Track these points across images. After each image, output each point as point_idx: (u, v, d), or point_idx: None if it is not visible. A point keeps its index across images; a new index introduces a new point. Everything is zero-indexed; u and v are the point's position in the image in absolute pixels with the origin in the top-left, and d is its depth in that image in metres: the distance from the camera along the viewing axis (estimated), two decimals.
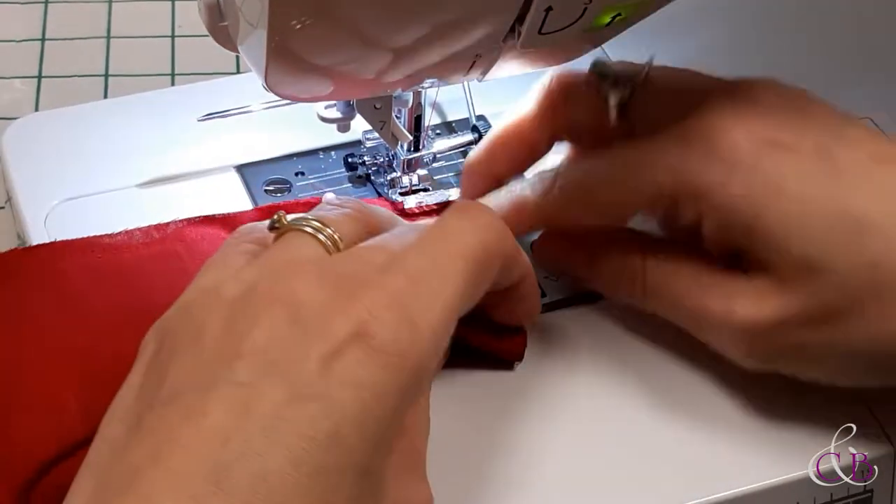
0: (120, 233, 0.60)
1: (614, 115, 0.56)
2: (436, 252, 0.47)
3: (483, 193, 0.60)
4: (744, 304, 0.52)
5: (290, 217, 0.50)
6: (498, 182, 0.60)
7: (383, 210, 0.55)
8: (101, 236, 0.60)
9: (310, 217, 0.49)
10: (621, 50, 0.73)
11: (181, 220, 0.61)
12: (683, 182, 0.52)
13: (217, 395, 0.42)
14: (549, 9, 0.49)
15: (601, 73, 0.57)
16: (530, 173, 0.60)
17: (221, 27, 0.53)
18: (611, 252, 0.56)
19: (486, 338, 0.56)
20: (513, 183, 0.58)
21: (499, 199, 0.58)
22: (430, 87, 0.60)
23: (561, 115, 0.59)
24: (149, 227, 0.60)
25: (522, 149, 0.60)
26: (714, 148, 0.52)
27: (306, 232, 0.48)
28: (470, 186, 0.61)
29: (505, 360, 0.57)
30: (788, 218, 0.51)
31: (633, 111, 0.56)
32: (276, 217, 0.50)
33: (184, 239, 0.60)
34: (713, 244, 0.53)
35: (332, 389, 0.42)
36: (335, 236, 0.48)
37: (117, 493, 0.41)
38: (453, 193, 0.64)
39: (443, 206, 0.63)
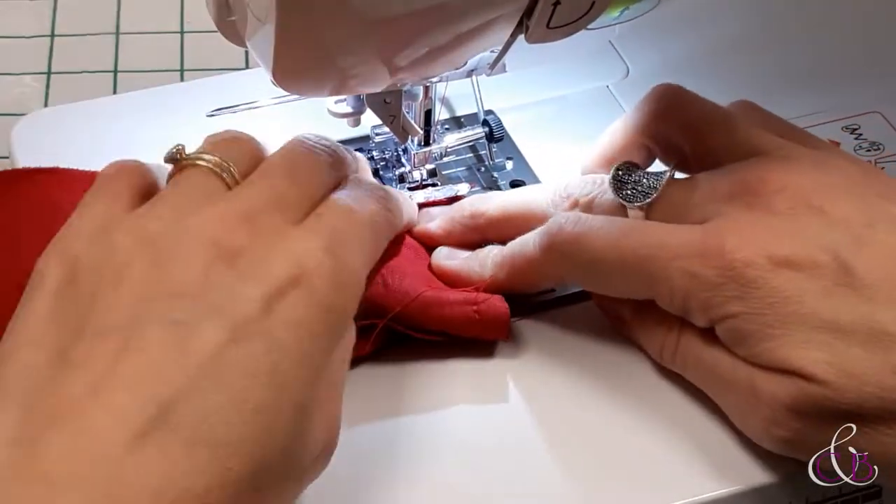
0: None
1: (634, 216, 0.56)
2: (351, 218, 0.50)
3: None
4: (769, 387, 0.51)
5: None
6: None
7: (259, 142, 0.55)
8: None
9: (210, 153, 0.50)
10: (631, 47, 0.74)
11: None
12: (698, 292, 0.52)
13: (154, 333, 0.43)
14: (557, 3, 0.49)
15: (620, 181, 0.56)
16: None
17: (229, 22, 0.53)
18: (653, 310, 0.55)
19: (470, 320, 0.57)
20: (531, 234, 0.57)
21: (514, 262, 0.57)
22: (439, 81, 0.60)
23: (657, 125, 0.59)
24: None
25: (632, 153, 0.60)
26: (730, 264, 0.51)
27: (212, 171, 0.49)
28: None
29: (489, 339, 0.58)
30: (808, 331, 0.50)
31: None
32: (175, 150, 0.51)
33: None
34: (726, 343, 0.53)
35: (274, 329, 0.44)
36: (236, 175, 0.49)
37: (52, 424, 0.41)
38: (462, 188, 0.64)
39: (451, 201, 0.63)
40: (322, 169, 0.51)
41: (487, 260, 0.59)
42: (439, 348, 0.57)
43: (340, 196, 0.51)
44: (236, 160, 0.50)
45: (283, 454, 0.44)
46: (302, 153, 0.51)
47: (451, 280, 0.59)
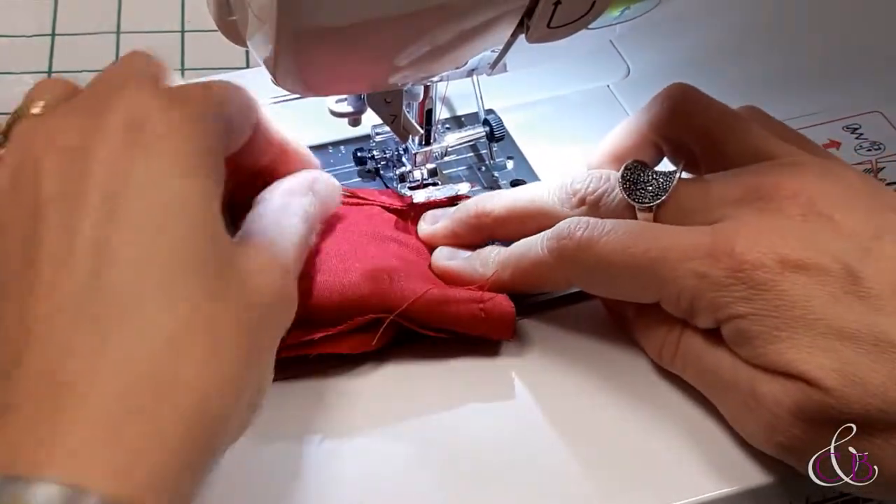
0: None
1: (643, 217, 0.56)
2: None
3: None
4: (771, 391, 0.51)
5: None
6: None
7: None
8: None
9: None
10: (632, 47, 0.74)
11: None
12: (706, 292, 0.52)
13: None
14: (557, 2, 0.49)
15: (629, 181, 0.56)
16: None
17: (230, 22, 0.53)
18: (656, 310, 0.55)
19: (476, 319, 0.57)
20: (538, 237, 0.57)
21: (520, 263, 0.57)
22: (440, 80, 0.60)
23: (667, 130, 0.59)
24: None
25: (641, 151, 0.60)
26: (739, 265, 0.51)
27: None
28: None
29: (494, 339, 0.58)
30: (814, 335, 0.50)
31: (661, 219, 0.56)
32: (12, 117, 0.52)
33: None
34: (730, 344, 0.53)
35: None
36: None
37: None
38: (462, 187, 0.64)
39: (452, 200, 0.63)
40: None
41: (489, 259, 0.59)
42: (443, 348, 0.57)
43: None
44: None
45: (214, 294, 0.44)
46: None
47: (452, 280, 0.59)
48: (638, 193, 0.56)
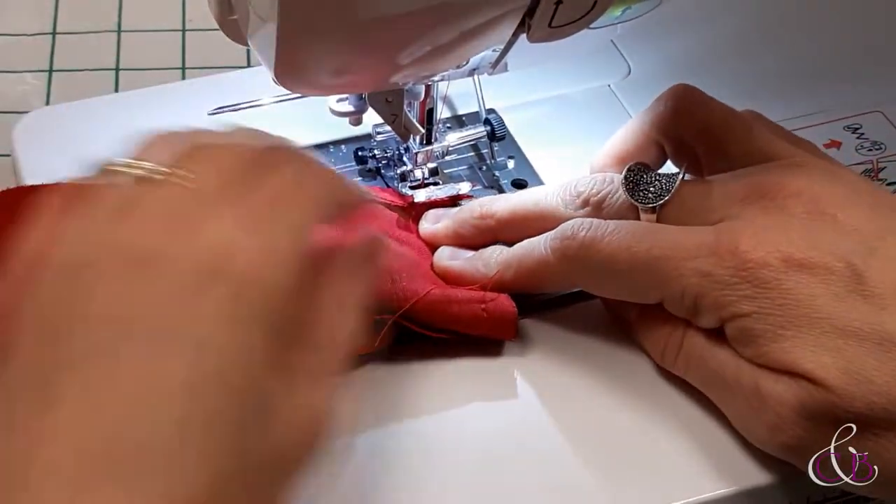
0: None
1: (646, 218, 0.56)
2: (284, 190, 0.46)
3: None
4: (776, 390, 0.51)
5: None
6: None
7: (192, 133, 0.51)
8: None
9: (126, 159, 0.47)
10: (633, 46, 0.74)
11: None
12: (710, 290, 0.52)
13: (67, 378, 0.40)
14: (559, 2, 0.49)
15: (632, 182, 0.56)
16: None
17: (231, 21, 0.53)
18: (659, 310, 0.55)
19: (478, 319, 0.57)
20: (542, 237, 0.57)
21: (522, 262, 0.57)
22: (441, 80, 0.60)
23: (671, 130, 0.59)
24: None
25: (644, 152, 0.60)
26: (743, 264, 0.51)
27: (125, 172, 0.46)
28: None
29: (497, 338, 0.58)
30: (818, 334, 0.50)
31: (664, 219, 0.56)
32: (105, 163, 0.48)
33: None
34: (734, 343, 0.53)
35: (198, 330, 0.41)
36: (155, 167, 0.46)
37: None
38: (463, 187, 0.64)
39: (453, 200, 0.63)
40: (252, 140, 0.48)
41: (492, 259, 0.59)
42: (446, 349, 0.57)
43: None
44: (154, 157, 0.47)
45: (241, 455, 0.41)
46: (203, 134, 0.48)
47: (454, 280, 0.59)
48: (641, 194, 0.56)
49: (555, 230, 0.56)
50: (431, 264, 0.60)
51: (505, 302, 0.57)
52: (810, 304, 0.50)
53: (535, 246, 0.57)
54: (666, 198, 0.55)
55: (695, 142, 0.58)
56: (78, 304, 0.42)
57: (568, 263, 0.55)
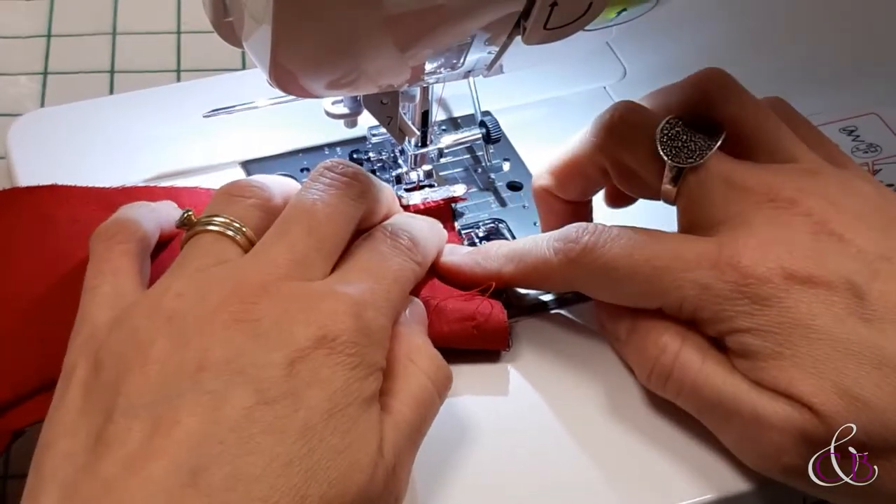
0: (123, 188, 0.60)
1: (668, 187, 0.56)
2: (377, 275, 0.51)
3: (557, 215, 0.61)
4: (775, 416, 0.50)
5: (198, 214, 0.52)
6: (567, 204, 0.61)
7: (281, 182, 0.55)
8: (104, 189, 0.60)
9: (221, 216, 0.51)
10: (628, 48, 0.74)
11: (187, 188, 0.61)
12: (709, 304, 0.52)
13: (186, 404, 0.44)
14: (554, 4, 0.49)
15: (668, 137, 0.56)
16: None
17: (226, 23, 0.53)
18: (649, 329, 0.55)
19: (470, 336, 0.57)
20: (545, 236, 0.57)
21: (524, 258, 0.57)
22: (436, 82, 0.60)
23: (613, 154, 0.58)
24: (156, 187, 0.61)
25: (578, 180, 0.60)
26: (743, 279, 0.51)
27: (223, 234, 0.50)
28: (542, 211, 0.62)
29: (491, 350, 0.58)
30: (817, 354, 0.50)
31: (683, 187, 0.55)
32: (185, 216, 0.52)
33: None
34: (733, 357, 0.53)
35: (300, 389, 0.45)
36: (248, 234, 0.51)
37: None
38: (458, 189, 0.64)
39: (447, 202, 0.63)
40: (343, 215, 0.52)
41: (491, 254, 0.58)
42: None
43: (366, 248, 0.52)
44: (245, 217, 0.51)
45: (324, 499, 0.44)
46: (320, 199, 0.52)
47: (453, 275, 0.59)
48: (674, 150, 0.55)
49: (559, 231, 0.56)
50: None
51: (497, 315, 0.57)
52: (810, 324, 0.50)
53: (539, 244, 0.57)
54: (696, 161, 0.55)
55: (722, 122, 0.57)
56: (198, 351, 0.45)
57: (569, 266, 0.55)
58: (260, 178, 0.54)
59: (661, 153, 0.55)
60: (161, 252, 0.55)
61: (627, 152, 0.57)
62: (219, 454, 0.43)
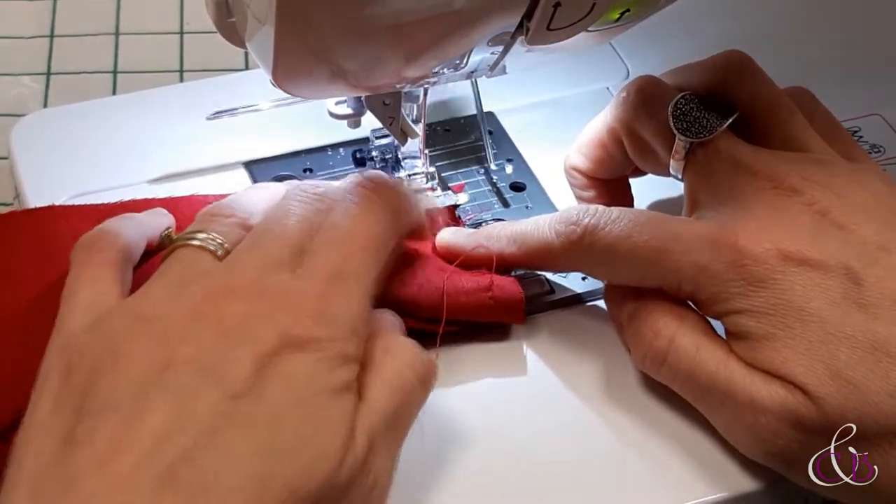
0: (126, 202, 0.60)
1: (677, 161, 0.56)
2: (344, 251, 0.50)
3: (590, 195, 0.63)
4: (768, 399, 0.51)
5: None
6: (597, 183, 0.62)
7: (264, 200, 0.55)
8: (103, 205, 0.60)
9: (203, 232, 0.51)
10: (631, 48, 0.74)
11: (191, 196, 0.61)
12: (706, 286, 0.52)
13: (153, 402, 0.44)
14: (557, 5, 0.49)
15: (681, 112, 0.56)
16: None
17: (229, 23, 0.53)
18: (647, 315, 0.55)
19: (485, 307, 0.57)
20: (548, 217, 0.58)
21: (526, 240, 0.58)
22: (439, 83, 0.60)
23: (629, 124, 0.59)
24: (154, 198, 0.61)
25: (601, 153, 0.61)
26: (740, 259, 0.51)
27: (203, 248, 0.51)
28: (575, 191, 0.64)
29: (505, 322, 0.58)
30: (810, 336, 0.50)
31: (691, 162, 0.56)
32: (164, 235, 0.54)
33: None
34: (730, 338, 0.53)
35: (264, 384, 0.45)
36: (228, 249, 0.51)
37: (55, 499, 0.42)
38: (461, 198, 0.64)
39: (450, 210, 0.63)
40: (311, 224, 0.52)
41: (493, 234, 0.59)
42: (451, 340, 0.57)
43: (334, 220, 0.51)
44: (226, 234, 0.51)
45: (289, 486, 0.44)
46: (291, 209, 0.52)
47: (457, 256, 0.59)
48: (685, 125, 0.56)
49: (560, 213, 0.57)
50: (433, 250, 0.60)
51: (511, 286, 0.57)
52: (804, 307, 0.50)
53: (541, 226, 0.57)
54: (705, 136, 0.55)
55: (741, 107, 0.57)
56: (168, 351, 0.46)
57: (570, 247, 0.56)
58: (242, 199, 0.55)
59: (672, 126, 0.56)
60: (144, 263, 0.55)
61: (642, 123, 0.58)
62: (184, 449, 0.43)
